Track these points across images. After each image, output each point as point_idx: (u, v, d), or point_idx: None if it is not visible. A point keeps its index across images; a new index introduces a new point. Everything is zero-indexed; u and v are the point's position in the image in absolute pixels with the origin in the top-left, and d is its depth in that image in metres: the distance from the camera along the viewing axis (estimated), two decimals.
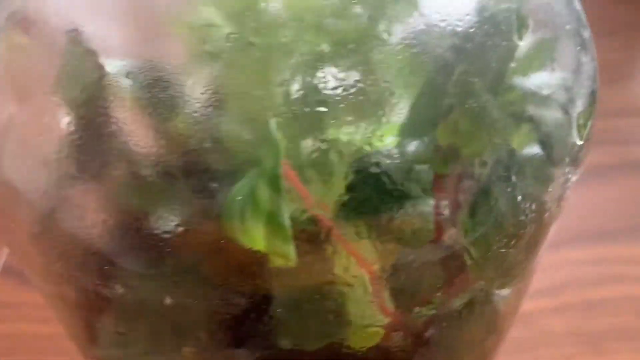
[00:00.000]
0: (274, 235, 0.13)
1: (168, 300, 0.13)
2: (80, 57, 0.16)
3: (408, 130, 0.15)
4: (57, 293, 0.17)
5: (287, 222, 0.13)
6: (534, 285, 0.34)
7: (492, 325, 0.19)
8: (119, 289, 0.14)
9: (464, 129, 0.14)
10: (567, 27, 0.16)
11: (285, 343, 0.16)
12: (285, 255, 0.13)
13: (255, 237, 0.14)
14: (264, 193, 0.13)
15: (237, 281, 0.14)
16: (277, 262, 0.14)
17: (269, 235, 0.13)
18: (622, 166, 0.40)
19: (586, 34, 0.16)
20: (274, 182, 0.13)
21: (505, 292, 0.17)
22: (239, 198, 0.14)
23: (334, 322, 0.15)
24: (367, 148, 0.15)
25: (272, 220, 0.13)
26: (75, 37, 0.16)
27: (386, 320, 0.15)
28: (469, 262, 0.15)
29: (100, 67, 0.16)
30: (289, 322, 0.15)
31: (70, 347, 0.31)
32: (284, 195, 0.13)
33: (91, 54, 0.16)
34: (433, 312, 0.16)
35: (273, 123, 0.14)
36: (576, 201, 0.38)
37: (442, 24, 0.14)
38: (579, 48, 0.16)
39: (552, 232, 0.36)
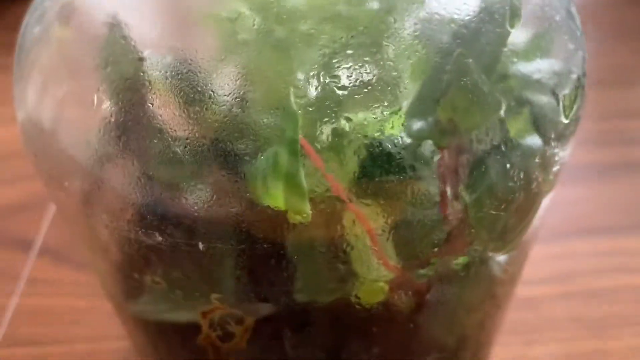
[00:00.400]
0: (291, 194, 0.15)
1: (201, 246, 0.16)
2: (119, 45, 0.18)
3: (414, 110, 0.17)
4: (100, 249, 0.19)
5: (303, 182, 0.15)
6: (540, 273, 0.36)
7: (490, 290, 0.21)
8: (158, 237, 0.16)
9: (460, 105, 0.16)
10: (557, 18, 0.17)
11: (301, 296, 0.18)
12: (302, 211, 0.15)
13: (275, 195, 0.16)
14: (283, 157, 0.16)
15: (259, 236, 0.16)
16: (295, 218, 0.16)
17: (287, 193, 0.16)
18: (627, 165, 0.42)
19: (574, 25, 0.18)
20: (292, 147, 0.15)
21: (500, 258, 0.19)
22: (262, 163, 0.16)
23: (343, 275, 0.17)
24: (379, 127, 0.17)
25: (290, 181, 0.15)
26: (115, 27, 0.18)
27: (390, 276, 0.17)
28: (465, 223, 0.17)
29: (138, 55, 0.18)
30: (304, 276, 0.17)
31: (103, 320, 0.33)
32: (300, 158, 0.15)
33: (130, 42, 0.18)
34: (433, 272, 0.18)
35: (292, 97, 0.16)
36: (582, 197, 0.40)
37: (443, 13, 0.16)
38: (566, 37, 0.18)
39: (558, 222, 0.37)
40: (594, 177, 0.41)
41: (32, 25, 0.19)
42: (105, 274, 0.20)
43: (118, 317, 0.24)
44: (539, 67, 0.17)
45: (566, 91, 0.17)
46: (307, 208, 0.16)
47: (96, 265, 0.21)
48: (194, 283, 0.17)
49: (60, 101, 0.19)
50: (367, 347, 0.20)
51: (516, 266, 0.21)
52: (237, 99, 0.17)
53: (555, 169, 0.18)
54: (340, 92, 0.17)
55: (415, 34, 0.17)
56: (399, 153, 0.16)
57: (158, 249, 0.16)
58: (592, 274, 0.35)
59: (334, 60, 0.17)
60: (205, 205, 0.17)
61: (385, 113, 0.17)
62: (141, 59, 0.18)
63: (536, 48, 0.17)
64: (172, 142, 0.17)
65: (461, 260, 0.18)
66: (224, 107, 0.17)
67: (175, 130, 0.17)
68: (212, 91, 0.17)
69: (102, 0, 0.19)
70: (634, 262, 0.36)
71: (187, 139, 0.17)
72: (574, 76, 0.17)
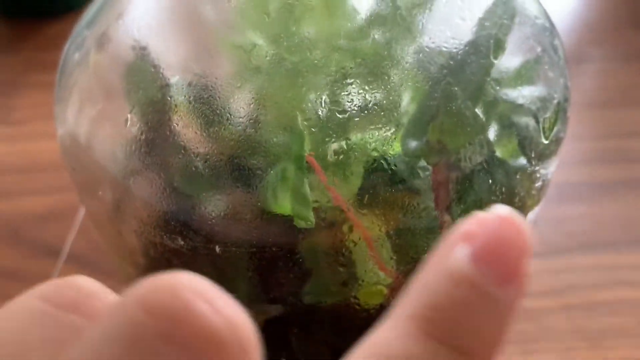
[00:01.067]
0: (297, 203, 0.18)
1: (217, 250, 0.18)
2: (149, 72, 0.21)
3: (409, 131, 0.19)
4: (127, 254, 0.21)
5: (308, 192, 0.17)
6: (541, 286, 0.37)
7: None
8: (180, 241, 0.18)
9: (447, 128, 0.18)
10: (539, 50, 0.19)
11: (308, 298, 0.20)
12: (306, 218, 0.18)
13: (283, 205, 0.18)
14: (290, 171, 0.18)
15: (269, 241, 0.19)
16: (300, 223, 0.18)
17: (294, 203, 0.18)
18: (628, 182, 0.43)
19: (556, 56, 0.20)
20: (299, 162, 0.17)
21: None
22: (272, 177, 0.18)
23: (345, 279, 0.19)
24: (378, 146, 0.19)
25: (296, 192, 0.18)
26: (144, 55, 0.21)
27: (388, 280, 0.19)
28: None
29: (165, 81, 0.20)
30: (310, 278, 0.19)
31: None
32: (305, 173, 0.18)
33: (158, 70, 0.20)
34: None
35: (299, 118, 0.18)
36: (584, 213, 0.41)
37: (433, 46, 0.18)
38: (547, 67, 0.19)
39: (560, 237, 0.39)
40: (595, 194, 0.43)
41: (72, 51, 0.22)
42: (132, 277, 0.22)
43: None
44: (522, 94, 0.19)
45: (547, 115, 0.19)
46: (311, 216, 0.18)
47: (123, 270, 0.23)
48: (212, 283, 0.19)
49: (96, 119, 0.21)
50: None
51: None
52: (251, 121, 0.19)
53: (537, 184, 0.20)
54: (343, 115, 0.19)
55: (410, 64, 0.19)
56: (395, 169, 0.18)
57: (180, 253, 0.18)
58: (592, 288, 0.37)
59: (338, 87, 0.19)
60: (222, 213, 0.19)
61: (383, 134, 0.19)
62: (167, 85, 0.20)
63: (520, 76, 0.19)
64: (193, 158, 0.20)
65: None
66: (239, 127, 0.19)
67: (196, 148, 0.19)
68: (229, 113, 0.19)
69: (133, 30, 0.21)
70: (633, 276, 0.37)
71: (206, 155, 0.19)
72: (555, 101, 0.19)
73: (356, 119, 0.18)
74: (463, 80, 0.18)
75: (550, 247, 0.40)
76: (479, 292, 0.10)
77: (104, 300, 0.11)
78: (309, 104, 0.19)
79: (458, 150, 0.18)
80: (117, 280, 0.39)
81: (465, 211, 0.18)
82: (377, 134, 0.18)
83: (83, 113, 0.21)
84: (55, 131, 0.52)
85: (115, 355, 0.08)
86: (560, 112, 0.19)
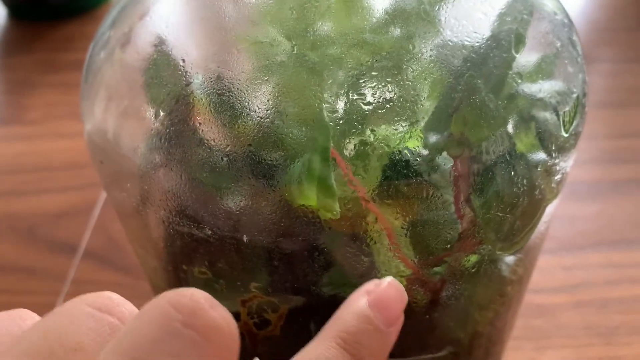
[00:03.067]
0: (323, 195, 0.18)
1: (245, 239, 0.18)
2: (169, 66, 0.21)
3: (431, 124, 0.19)
4: (152, 246, 0.22)
5: (333, 184, 0.18)
6: (554, 282, 0.38)
7: (499, 289, 0.23)
8: (208, 231, 0.18)
9: (470, 120, 0.18)
10: (558, 44, 0.20)
11: (328, 289, 0.20)
12: (332, 209, 0.18)
13: (309, 196, 0.18)
14: (316, 164, 0.18)
15: (291, 232, 0.19)
16: (326, 215, 0.18)
17: (320, 195, 0.18)
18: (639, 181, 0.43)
19: (575, 51, 0.20)
20: (324, 155, 0.18)
21: (509, 259, 0.21)
22: (297, 169, 0.18)
23: (365, 270, 0.19)
24: (400, 139, 0.19)
25: (322, 184, 0.18)
26: (165, 50, 0.21)
27: (407, 272, 0.20)
28: (475, 224, 0.19)
29: (186, 75, 0.20)
30: (331, 269, 0.20)
31: None
32: (331, 164, 0.18)
33: (178, 64, 0.21)
34: (446, 269, 0.20)
35: (324, 111, 0.18)
36: (597, 212, 0.41)
37: (455, 40, 0.18)
38: (567, 61, 0.20)
39: (573, 235, 0.39)
40: (607, 192, 0.43)
41: (98, 50, 0.22)
42: (155, 269, 0.23)
43: None
44: (542, 88, 0.19)
45: (566, 108, 0.19)
46: (337, 207, 0.18)
47: (146, 262, 0.24)
48: (237, 273, 0.19)
49: (122, 115, 0.22)
50: None
51: (524, 269, 0.23)
52: (275, 114, 0.19)
53: (557, 177, 0.20)
54: (365, 108, 0.19)
55: (432, 58, 0.19)
56: (417, 161, 0.19)
57: (207, 242, 0.19)
58: (604, 285, 0.37)
59: (361, 81, 0.19)
60: (246, 205, 0.19)
61: (404, 127, 0.19)
62: (189, 83, 0.20)
63: (540, 71, 0.19)
64: (218, 152, 0.20)
65: (472, 258, 0.20)
66: (267, 120, 0.19)
67: (220, 142, 0.20)
68: (253, 107, 0.20)
69: (156, 29, 0.22)
70: None
71: (231, 148, 0.20)
72: (574, 95, 0.20)
73: (379, 112, 0.19)
74: (485, 73, 0.18)
75: (562, 244, 0.40)
76: (374, 326, 0.17)
77: (130, 309, 0.15)
78: (332, 98, 0.19)
79: (480, 142, 0.18)
80: (133, 277, 0.39)
81: (487, 203, 0.18)
82: (398, 126, 0.19)
83: (110, 109, 0.22)
84: (69, 131, 0.53)
85: (150, 333, 0.13)
86: (580, 106, 0.20)
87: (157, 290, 0.25)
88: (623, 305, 0.36)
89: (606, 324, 0.35)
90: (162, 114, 0.20)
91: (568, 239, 0.40)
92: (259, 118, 0.19)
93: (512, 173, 0.18)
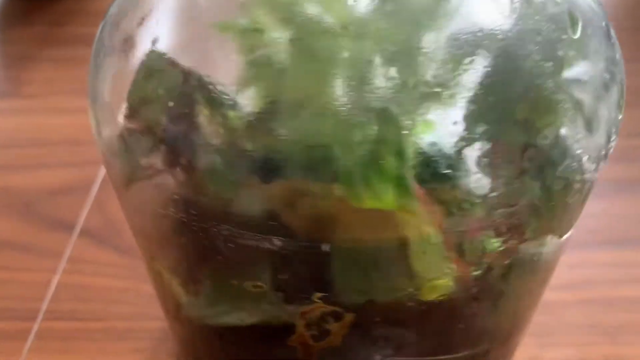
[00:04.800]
0: (402, 195, 0.17)
1: (326, 248, 0.17)
2: (162, 66, 0.19)
3: (480, 113, 0.18)
4: (162, 248, 0.21)
5: (412, 184, 0.17)
6: (559, 280, 0.37)
7: (540, 281, 0.22)
8: (276, 242, 0.17)
9: (537, 106, 0.17)
10: (602, 31, 0.19)
11: (370, 293, 0.19)
12: (412, 210, 0.17)
13: (384, 198, 0.17)
14: (391, 162, 0.17)
15: (358, 236, 0.18)
16: (405, 217, 0.17)
17: (398, 195, 0.17)
18: None
19: (614, 38, 0.20)
20: (401, 153, 0.16)
21: (551, 248, 0.21)
22: (361, 167, 0.17)
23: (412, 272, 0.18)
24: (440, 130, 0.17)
25: (401, 184, 0.17)
26: (158, 50, 0.20)
27: (456, 273, 0.19)
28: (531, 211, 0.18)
29: (181, 75, 0.19)
30: (373, 273, 0.19)
31: (141, 300, 0.35)
32: (407, 161, 0.17)
33: (172, 63, 0.19)
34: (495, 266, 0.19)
35: (395, 108, 0.17)
36: (603, 210, 0.41)
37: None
38: (611, 47, 0.19)
39: (579, 233, 0.38)
40: (615, 191, 0.43)
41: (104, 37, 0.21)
42: (160, 282, 0.22)
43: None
44: (589, 72, 0.19)
45: (615, 93, 0.19)
46: (417, 207, 0.17)
47: (153, 275, 0.22)
48: (301, 283, 0.18)
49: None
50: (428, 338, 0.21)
51: (557, 255, 0.23)
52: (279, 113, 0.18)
53: (601, 163, 0.20)
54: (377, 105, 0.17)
55: (457, 42, 0.18)
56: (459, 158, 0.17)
57: (273, 254, 0.18)
58: (610, 283, 0.37)
59: (371, 74, 0.18)
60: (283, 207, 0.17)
61: (444, 118, 0.17)
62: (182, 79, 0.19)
63: (588, 55, 0.19)
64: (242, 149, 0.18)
65: (526, 249, 0.19)
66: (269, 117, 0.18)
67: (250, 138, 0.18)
68: (280, 102, 0.18)
69: (153, 30, 0.20)
70: None
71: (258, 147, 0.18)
72: (620, 77, 0.19)
73: (425, 102, 0.17)
74: (548, 57, 0.17)
75: (569, 241, 0.39)
76: None
77: None
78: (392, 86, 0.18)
79: (546, 129, 0.17)
80: (130, 257, 0.38)
81: (546, 190, 0.17)
82: (439, 117, 0.17)
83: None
84: (68, 106, 0.52)
85: None
86: (623, 91, 0.19)
87: (163, 298, 0.24)
88: (628, 304, 0.36)
89: (611, 323, 0.35)
90: (160, 116, 0.19)
91: (573, 237, 0.39)
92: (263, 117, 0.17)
93: (570, 159, 0.18)
